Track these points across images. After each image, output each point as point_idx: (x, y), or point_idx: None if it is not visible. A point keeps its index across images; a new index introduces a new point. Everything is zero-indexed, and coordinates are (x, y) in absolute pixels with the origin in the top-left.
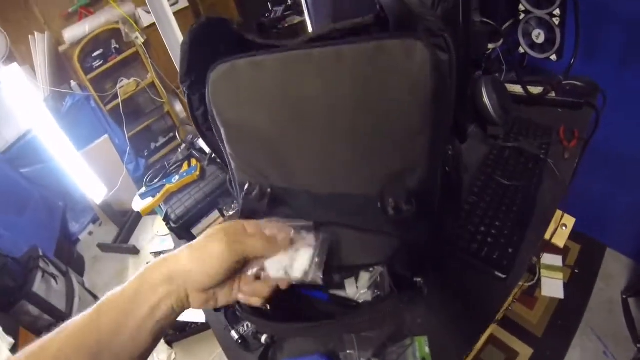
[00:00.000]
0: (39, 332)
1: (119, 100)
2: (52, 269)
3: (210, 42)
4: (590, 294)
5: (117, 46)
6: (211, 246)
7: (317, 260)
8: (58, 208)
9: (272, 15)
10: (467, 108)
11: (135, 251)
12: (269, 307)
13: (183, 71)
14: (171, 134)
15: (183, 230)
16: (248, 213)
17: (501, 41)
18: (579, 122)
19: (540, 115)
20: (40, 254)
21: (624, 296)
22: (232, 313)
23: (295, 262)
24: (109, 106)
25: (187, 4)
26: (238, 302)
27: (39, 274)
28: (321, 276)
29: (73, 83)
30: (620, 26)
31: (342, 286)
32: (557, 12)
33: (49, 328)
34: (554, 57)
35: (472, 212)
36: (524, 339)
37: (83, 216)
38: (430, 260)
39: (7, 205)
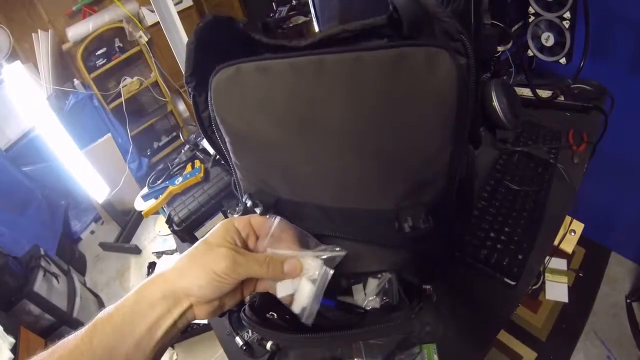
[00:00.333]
0: (40, 331)
1: (122, 99)
2: (53, 268)
3: (216, 42)
4: (595, 298)
5: (121, 45)
6: (214, 263)
7: (314, 300)
8: (60, 207)
9: (276, 15)
10: (478, 112)
11: (137, 251)
12: (275, 315)
13: (189, 71)
14: (174, 134)
15: (186, 233)
16: None
17: (510, 43)
18: (588, 126)
19: (548, 118)
20: (42, 253)
21: (628, 300)
22: (237, 318)
23: (297, 293)
24: (112, 105)
25: (191, 3)
26: (244, 311)
27: (40, 273)
28: (313, 317)
29: (76, 81)
30: (629, 30)
31: (349, 292)
32: (567, 15)
33: (49, 328)
34: (563, 61)
35: (482, 218)
36: (528, 342)
37: (85, 215)
38: (440, 267)
39: (9, 203)
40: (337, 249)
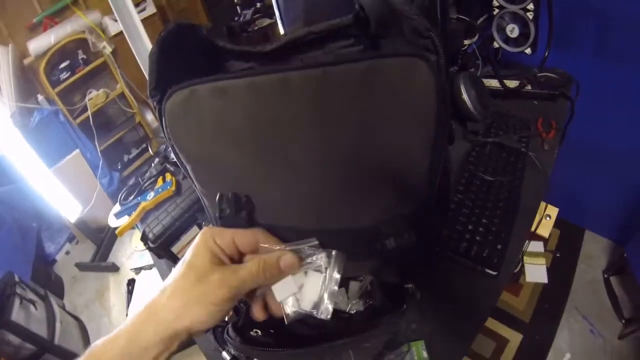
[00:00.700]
0: None
1: (89, 112)
2: (30, 295)
3: (180, 51)
4: (573, 276)
5: (85, 57)
6: (211, 296)
7: (328, 289)
8: (32, 229)
9: (241, 19)
10: (450, 109)
11: (114, 268)
12: (259, 332)
13: (152, 84)
14: (144, 145)
15: (162, 249)
16: None
17: (476, 37)
18: (556, 113)
19: (517, 108)
20: (17, 279)
21: (605, 275)
22: (221, 333)
23: (303, 290)
24: (79, 119)
25: (154, 11)
26: (227, 332)
27: (17, 301)
28: (331, 309)
29: (40, 97)
30: (590, 19)
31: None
32: (530, 6)
33: (31, 357)
34: (528, 51)
35: (459, 211)
36: (513, 325)
37: (58, 236)
38: (421, 264)
39: None
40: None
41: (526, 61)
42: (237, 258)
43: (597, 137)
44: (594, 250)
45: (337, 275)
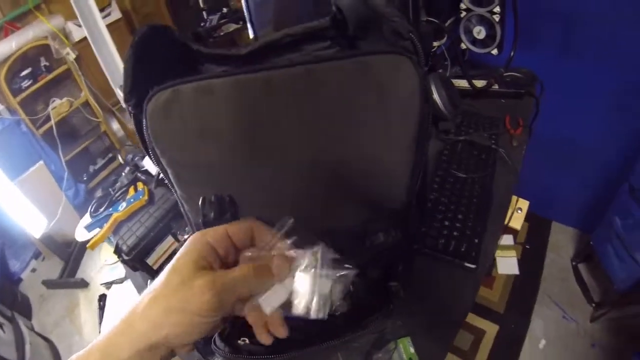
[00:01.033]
0: None
1: (52, 122)
2: None
3: (155, 54)
4: (543, 266)
5: (47, 64)
6: (193, 304)
7: (319, 288)
8: None
9: (207, 24)
10: None
11: (84, 284)
12: (247, 340)
13: (127, 89)
14: (110, 155)
15: (137, 261)
16: None
17: (445, 38)
18: (522, 111)
19: (485, 107)
20: None
21: (573, 263)
22: (204, 343)
23: (293, 294)
24: (42, 129)
25: (119, 16)
26: (214, 342)
27: None
28: (327, 310)
29: (1, 107)
30: (553, 21)
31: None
32: (497, 9)
33: None
34: (495, 52)
35: (435, 208)
36: (489, 317)
37: (23, 252)
38: (402, 262)
39: None
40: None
41: (493, 61)
42: (233, 258)
43: (562, 132)
44: (562, 240)
45: (327, 272)
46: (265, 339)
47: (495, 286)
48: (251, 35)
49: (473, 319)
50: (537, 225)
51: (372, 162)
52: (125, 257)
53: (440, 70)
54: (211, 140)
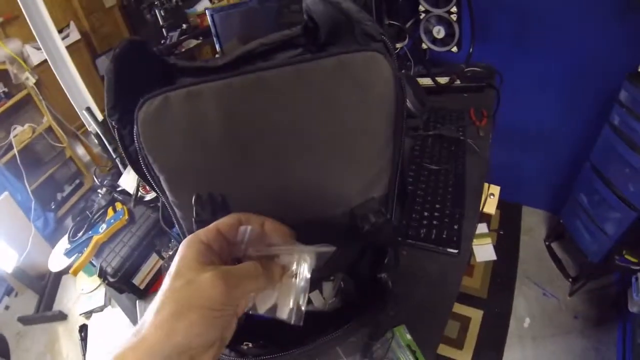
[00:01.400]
0: None
1: (15, 150)
2: None
3: (134, 68)
4: (519, 249)
5: (6, 89)
6: (204, 298)
7: (299, 295)
8: None
9: (168, 41)
10: None
11: (62, 316)
12: (251, 344)
13: (110, 103)
14: (77, 181)
15: (123, 283)
16: None
17: (407, 40)
18: (485, 103)
19: (450, 101)
20: None
21: (547, 243)
22: None
23: (279, 298)
24: (4, 159)
25: (79, 37)
26: None
27: None
28: (302, 315)
29: None
30: (505, 15)
31: (308, 301)
32: (454, 9)
33: None
34: (454, 49)
35: (413, 201)
36: (472, 304)
37: None
38: (389, 253)
39: None
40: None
41: (453, 58)
42: (227, 254)
43: (523, 119)
44: (533, 222)
45: (304, 284)
46: None
47: (475, 274)
48: (217, 48)
49: (458, 307)
50: (508, 211)
51: (357, 150)
52: (111, 280)
53: (403, 71)
54: (203, 143)
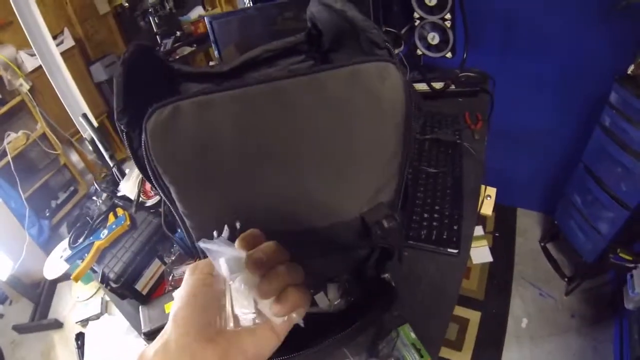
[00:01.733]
0: None
1: (9, 157)
2: None
3: (142, 72)
4: (514, 250)
5: (0, 96)
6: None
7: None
8: None
9: (162, 49)
10: None
11: (57, 325)
12: None
13: (120, 107)
14: (72, 188)
15: (126, 288)
16: None
17: (402, 46)
18: (479, 107)
19: (445, 106)
20: None
21: (542, 244)
22: None
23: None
24: None
25: (73, 43)
26: None
27: None
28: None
29: None
30: (497, 22)
31: (313, 303)
32: (447, 16)
33: None
34: (449, 55)
35: (413, 203)
36: (470, 305)
37: None
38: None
39: None
40: None
41: (447, 64)
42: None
43: (516, 122)
44: (528, 224)
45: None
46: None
47: (472, 276)
48: (216, 55)
49: (456, 309)
50: (503, 214)
51: (368, 156)
52: (114, 285)
53: None
54: (216, 153)
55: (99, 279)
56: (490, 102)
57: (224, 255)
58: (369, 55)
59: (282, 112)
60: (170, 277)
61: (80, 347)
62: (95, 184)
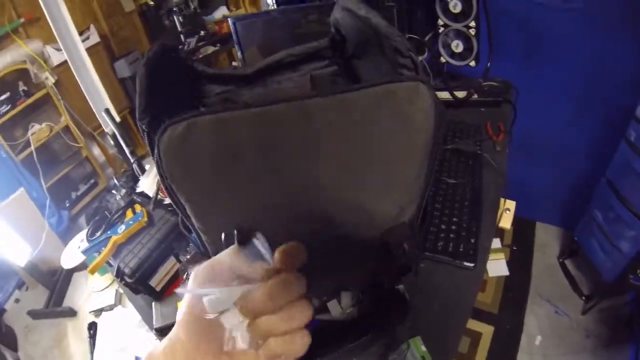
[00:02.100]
0: None
1: (32, 148)
2: None
3: (165, 72)
4: (531, 265)
5: (26, 88)
6: None
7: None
8: None
9: (185, 47)
10: None
11: (71, 313)
12: None
13: (142, 106)
14: (92, 181)
15: (140, 284)
16: None
17: (426, 53)
18: (501, 117)
19: (467, 115)
20: None
21: (560, 260)
22: None
23: None
24: (21, 155)
25: (98, 40)
26: None
27: None
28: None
29: None
30: (519, 30)
31: (325, 310)
32: (472, 24)
33: None
34: (472, 63)
35: (431, 214)
36: (483, 319)
37: (6, 282)
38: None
39: None
40: None
41: (470, 73)
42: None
43: (538, 133)
44: (547, 238)
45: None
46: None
47: (488, 289)
48: (239, 55)
49: (469, 322)
50: (522, 227)
51: (393, 179)
52: (128, 280)
53: None
54: (232, 173)
55: (114, 273)
56: (512, 112)
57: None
58: (393, 64)
59: (305, 133)
60: (185, 275)
61: (92, 337)
62: (115, 179)
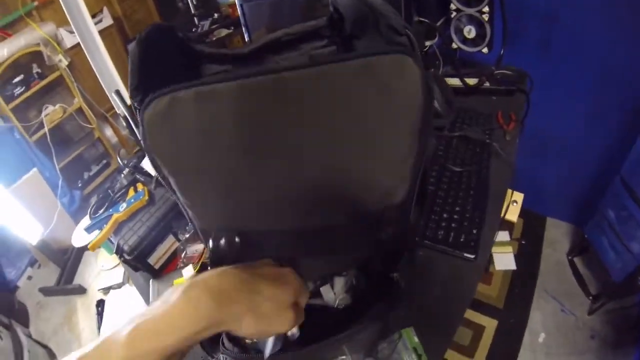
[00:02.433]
0: None
1: (46, 129)
2: None
3: (160, 51)
4: (540, 261)
5: (39, 70)
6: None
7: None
8: None
9: (199, 30)
10: None
11: (81, 290)
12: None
13: (134, 84)
14: (104, 161)
15: (139, 261)
16: (217, 262)
17: (437, 38)
18: (513, 106)
19: (478, 103)
20: None
21: (569, 257)
22: (209, 342)
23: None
24: (35, 136)
25: (111, 22)
26: (223, 344)
27: None
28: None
29: None
30: (536, 18)
31: (318, 294)
32: (485, 9)
33: None
34: (485, 50)
35: (433, 202)
36: (487, 312)
37: (19, 260)
38: (403, 254)
39: None
40: None
41: (483, 60)
42: None
43: (551, 127)
44: (557, 234)
45: None
46: None
47: (493, 282)
48: (246, 38)
49: (472, 315)
50: (531, 221)
51: (378, 156)
52: (127, 257)
53: (432, 70)
54: (216, 146)
55: (114, 250)
56: (526, 102)
57: None
58: (389, 43)
59: (284, 105)
60: (183, 254)
61: (100, 314)
62: (119, 159)
